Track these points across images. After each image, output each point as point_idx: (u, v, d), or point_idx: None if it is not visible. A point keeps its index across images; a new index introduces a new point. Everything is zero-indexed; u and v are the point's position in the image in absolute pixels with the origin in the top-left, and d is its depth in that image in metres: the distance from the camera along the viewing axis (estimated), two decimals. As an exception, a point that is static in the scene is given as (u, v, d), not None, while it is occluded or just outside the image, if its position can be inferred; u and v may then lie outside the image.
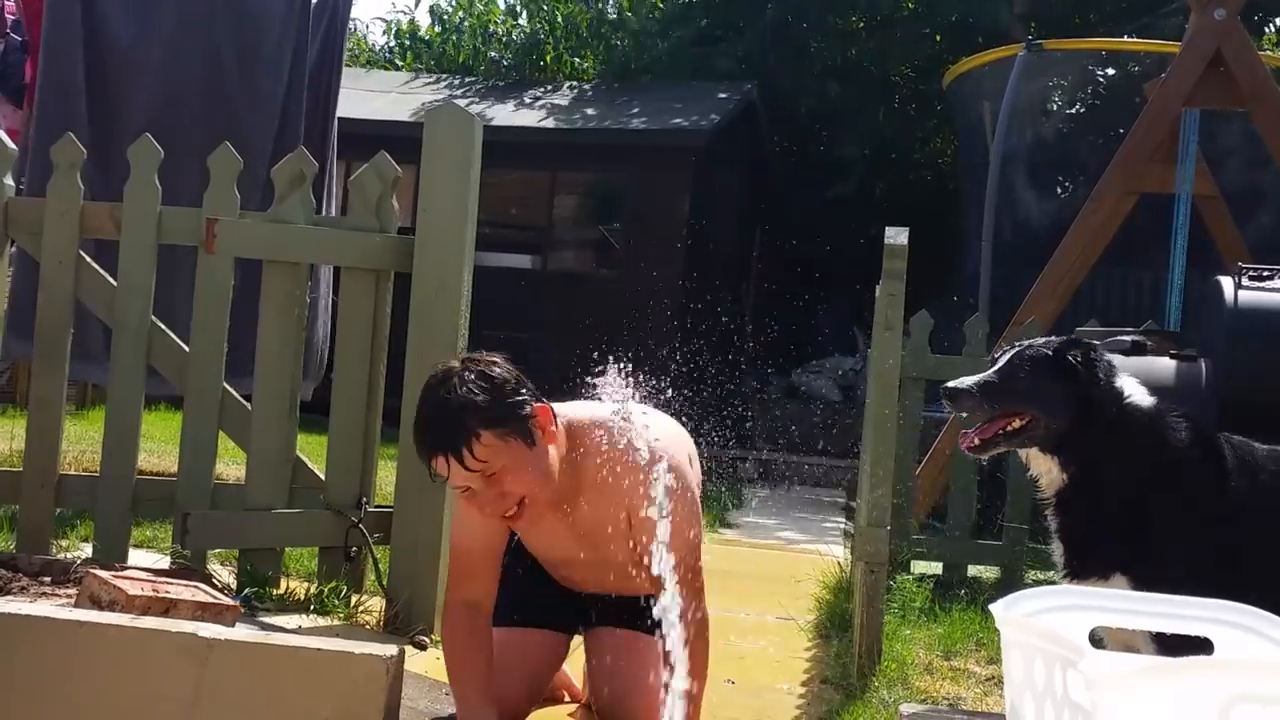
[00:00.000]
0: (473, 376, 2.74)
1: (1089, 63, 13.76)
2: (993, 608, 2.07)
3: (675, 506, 2.81)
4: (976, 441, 3.15)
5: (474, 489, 2.75)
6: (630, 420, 2.83)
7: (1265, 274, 4.64)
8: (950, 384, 3.15)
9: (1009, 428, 3.12)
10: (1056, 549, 3.13)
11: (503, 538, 2.99)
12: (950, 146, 17.49)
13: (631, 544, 2.88)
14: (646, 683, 3.02)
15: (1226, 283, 4.66)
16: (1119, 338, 4.90)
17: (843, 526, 8.36)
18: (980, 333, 5.80)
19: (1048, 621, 2.06)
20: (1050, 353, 3.13)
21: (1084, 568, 3.03)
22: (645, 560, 2.82)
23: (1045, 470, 3.13)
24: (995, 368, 3.18)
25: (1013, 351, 3.18)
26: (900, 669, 3.90)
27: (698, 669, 2.87)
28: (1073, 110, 13.88)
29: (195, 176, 4.37)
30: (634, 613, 3.09)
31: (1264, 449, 3.12)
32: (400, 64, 20.00)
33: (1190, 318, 6.59)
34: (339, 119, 6.49)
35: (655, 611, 2.72)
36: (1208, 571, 2.85)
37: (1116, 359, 4.56)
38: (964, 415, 3.24)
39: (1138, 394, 3.11)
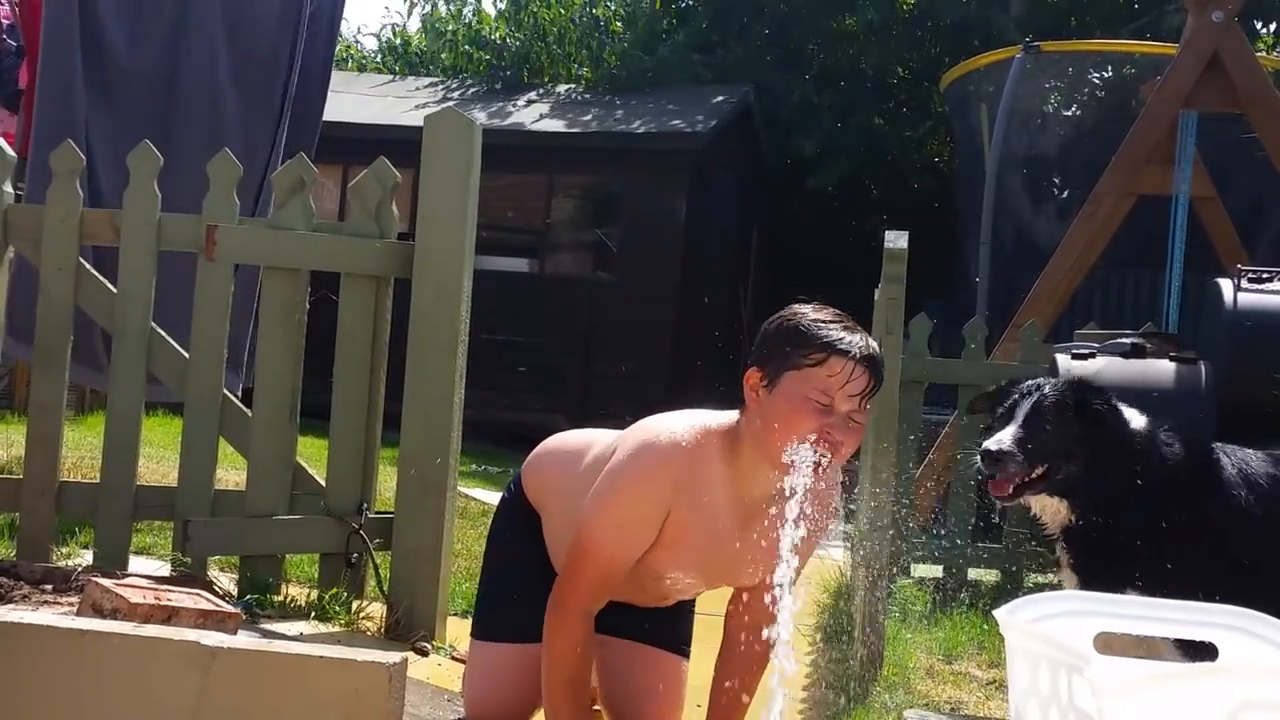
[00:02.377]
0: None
1: (1086, 65, 13.77)
2: (997, 613, 2.07)
3: (818, 535, 2.78)
4: (1010, 490, 3.18)
5: (841, 415, 2.58)
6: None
7: (1265, 276, 4.65)
8: (990, 446, 3.16)
9: (1034, 475, 3.17)
10: (1068, 579, 3.14)
11: (642, 552, 2.77)
12: (947, 149, 17.51)
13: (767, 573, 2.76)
14: (674, 703, 3.02)
15: (1226, 285, 4.66)
16: (1118, 340, 4.91)
17: (843, 530, 8.34)
18: (979, 336, 5.81)
19: (1052, 627, 2.06)
20: (1072, 400, 3.18)
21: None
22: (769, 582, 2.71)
23: (1053, 512, 3.19)
24: (1019, 421, 3.20)
25: (1032, 400, 3.21)
26: (902, 673, 3.90)
27: (751, 695, 2.90)
28: (1070, 112, 13.89)
29: (192, 181, 4.37)
30: (661, 628, 3.07)
31: (1259, 457, 3.12)
32: (394, 70, 19.99)
33: (1190, 320, 6.59)
34: (336, 123, 6.48)
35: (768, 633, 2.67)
36: (1218, 583, 2.84)
37: (1117, 363, 4.58)
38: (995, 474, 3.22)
39: (1135, 420, 3.15)
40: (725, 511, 2.74)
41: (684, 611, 3.14)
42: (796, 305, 2.71)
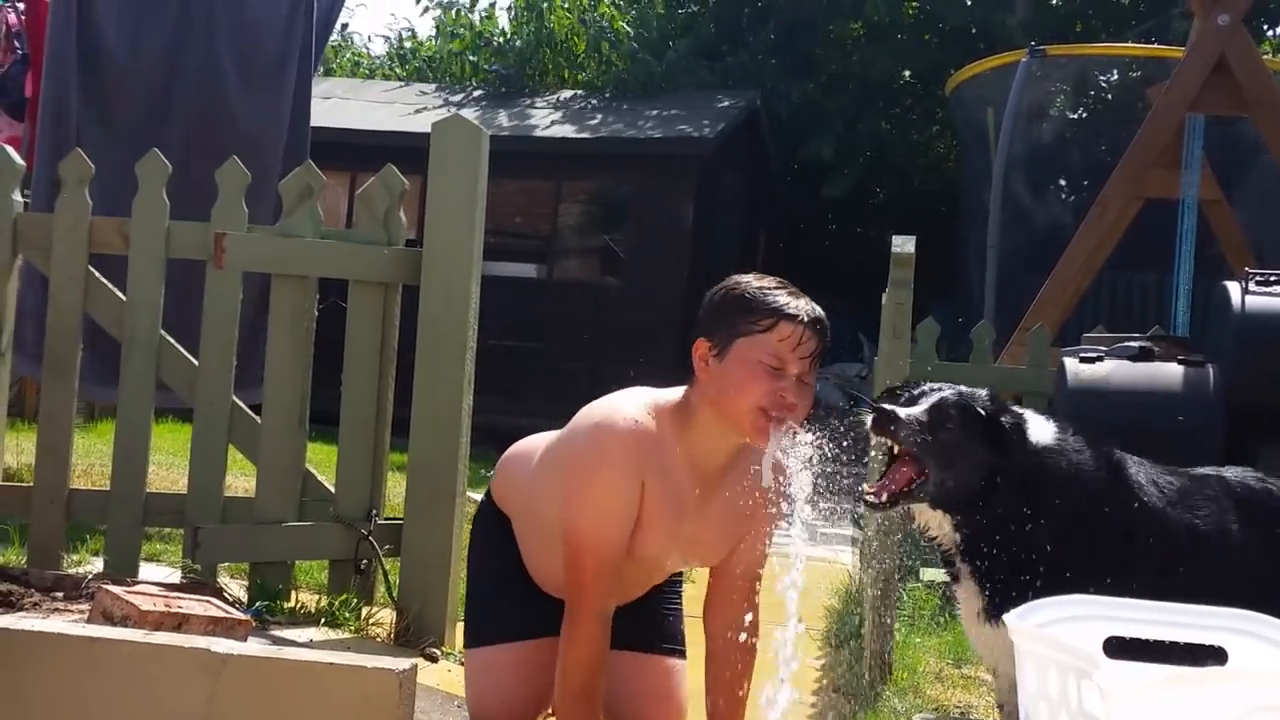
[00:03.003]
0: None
1: (1092, 68, 13.76)
2: (1006, 618, 2.07)
3: (772, 525, 2.84)
4: (884, 498, 2.79)
5: (793, 377, 2.65)
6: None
7: (1272, 279, 4.63)
8: (889, 406, 2.80)
9: (912, 483, 2.79)
10: (970, 591, 2.87)
11: (629, 535, 2.79)
12: (954, 153, 17.51)
13: (725, 553, 2.89)
14: (677, 704, 3.03)
15: (1234, 288, 4.65)
16: (1126, 343, 4.90)
17: (851, 534, 8.34)
18: (986, 339, 5.81)
19: (1061, 632, 2.06)
20: (983, 412, 2.82)
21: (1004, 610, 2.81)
22: (740, 571, 2.85)
23: (936, 525, 2.87)
24: (923, 406, 2.83)
25: (939, 394, 2.85)
26: (911, 677, 3.90)
27: (745, 694, 2.91)
28: (1076, 115, 13.88)
29: (197, 188, 4.39)
30: (650, 632, 3.07)
31: (1164, 470, 3.02)
32: (401, 75, 20.02)
33: (1198, 323, 6.58)
34: (344, 129, 6.52)
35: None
36: (1141, 585, 2.75)
37: (1124, 366, 4.56)
38: (875, 450, 2.93)
39: (1043, 432, 2.86)
40: (688, 483, 2.79)
41: (670, 614, 3.15)
42: (738, 275, 2.79)
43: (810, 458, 2.63)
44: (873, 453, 3.07)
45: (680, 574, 3.18)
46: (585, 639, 2.75)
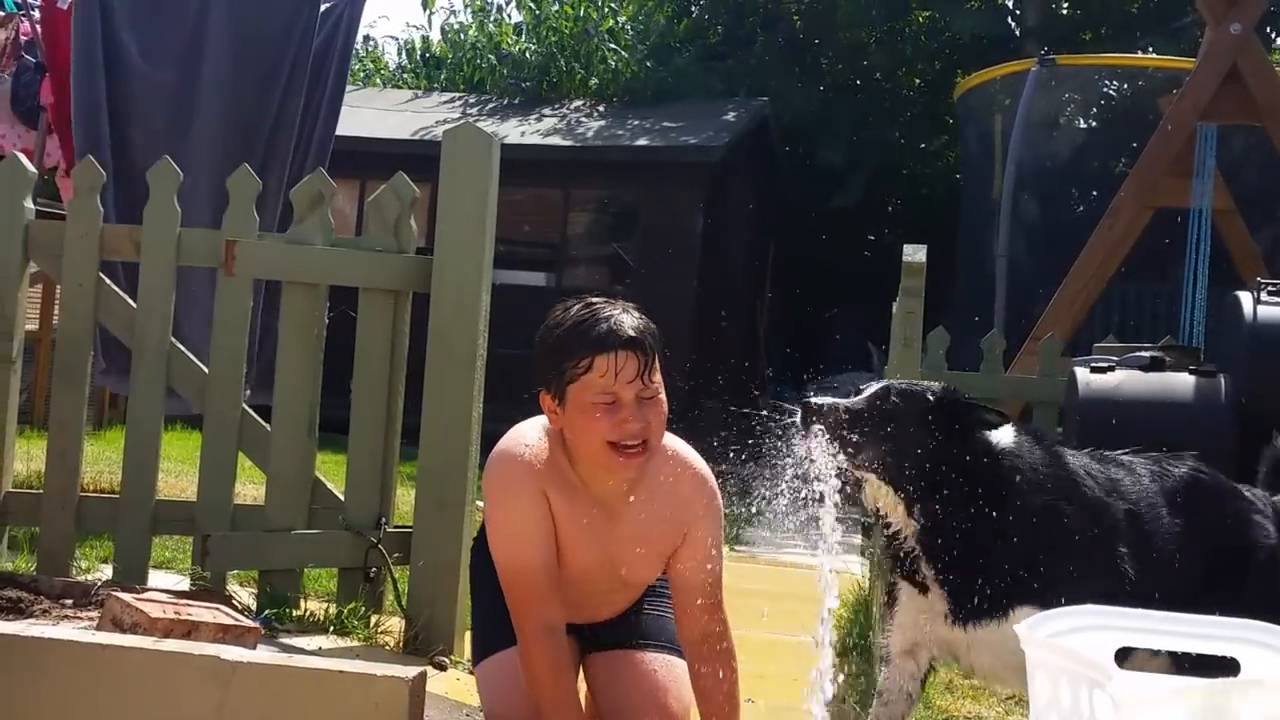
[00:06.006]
0: (634, 309, 2.72)
1: (1102, 77, 13.76)
2: (1017, 628, 2.07)
3: (716, 530, 2.86)
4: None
5: (630, 402, 2.65)
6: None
7: (1284, 289, 4.63)
8: (814, 399, 2.77)
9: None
10: (936, 595, 2.86)
11: (554, 551, 2.82)
12: (963, 162, 17.52)
13: (663, 564, 2.88)
14: (678, 699, 3.01)
15: (1246, 298, 4.64)
16: (1137, 353, 4.89)
17: (860, 543, 8.32)
18: (997, 349, 5.80)
19: (1074, 642, 2.05)
20: (930, 397, 2.83)
21: (978, 610, 2.81)
22: (694, 589, 2.82)
23: (891, 508, 2.84)
24: (864, 394, 2.83)
25: (880, 384, 2.87)
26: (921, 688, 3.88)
27: (734, 697, 2.88)
28: (1086, 125, 13.87)
29: (210, 195, 4.40)
30: (632, 631, 3.05)
31: (1096, 456, 3.04)
32: (414, 83, 20.07)
33: (1209, 333, 6.57)
34: (355, 138, 6.54)
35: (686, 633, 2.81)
36: (1111, 580, 2.78)
37: (1136, 376, 4.55)
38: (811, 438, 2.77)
39: (1001, 435, 2.87)
40: (592, 509, 2.81)
41: (650, 617, 3.12)
42: (556, 309, 2.76)
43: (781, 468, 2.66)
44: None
45: (663, 584, 3.11)
46: (538, 653, 2.77)
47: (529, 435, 2.85)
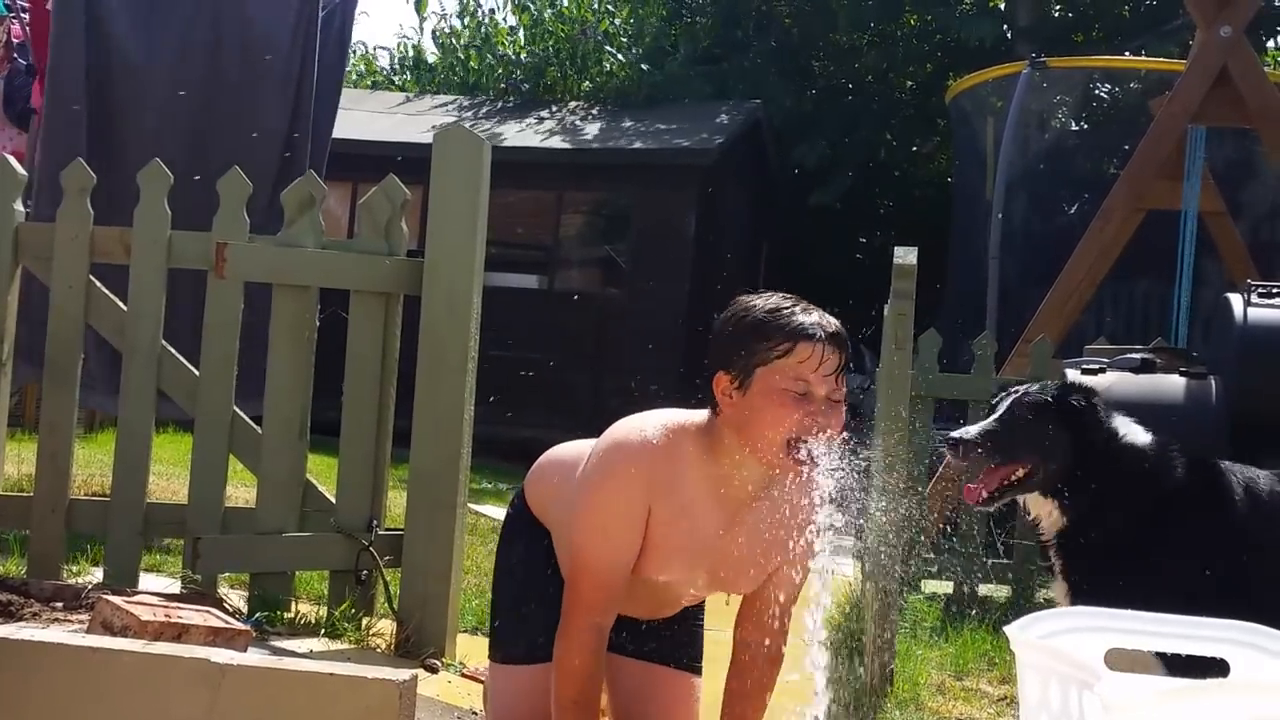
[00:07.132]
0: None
1: (1093, 79, 13.78)
2: (1008, 630, 2.07)
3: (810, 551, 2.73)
4: (984, 495, 3.21)
5: (821, 397, 2.56)
6: None
7: (1275, 291, 4.64)
8: (954, 434, 3.19)
9: (1013, 477, 3.17)
10: (1059, 588, 3.14)
11: (635, 555, 2.71)
12: (955, 163, 17.54)
13: (764, 577, 2.80)
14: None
15: (1236, 300, 4.65)
16: (1128, 355, 4.90)
17: (852, 545, 8.33)
18: (989, 350, 5.80)
19: (1063, 643, 2.05)
20: (1051, 399, 3.18)
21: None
22: (780, 594, 2.78)
23: (1046, 514, 3.19)
24: (996, 415, 3.21)
25: (1012, 398, 3.23)
26: (913, 689, 3.89)
27: (765, 704, 2.87)
28: (1077, 126, 13.89)
29: (200, 197, 4.38)
30: (676, 647, 3.03)
31: (1265, 476, 3.12)
32: (408, 87, 20.05)
33: (1199, 335, 6.58)
34: (346, 140, 6.53)
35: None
36: (1216, 602, 2.82)
37: (1127, 378, 4.57)
38: (965, 465, 3.29)
39: (1134, 433, 3.14)
40: (709, 510, 2.70)
41: (693, 629, 3.11)
42: (743, 298, 2.69)
43: (849, 481, 2.54)
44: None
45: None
46: (579, 649, 2.69)
47: (648, 429, 2.72)
